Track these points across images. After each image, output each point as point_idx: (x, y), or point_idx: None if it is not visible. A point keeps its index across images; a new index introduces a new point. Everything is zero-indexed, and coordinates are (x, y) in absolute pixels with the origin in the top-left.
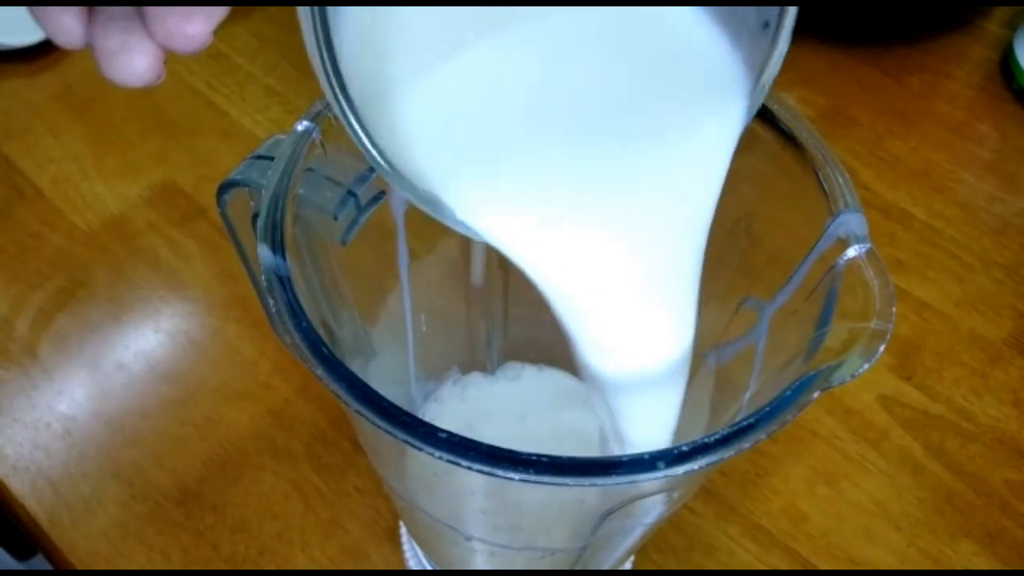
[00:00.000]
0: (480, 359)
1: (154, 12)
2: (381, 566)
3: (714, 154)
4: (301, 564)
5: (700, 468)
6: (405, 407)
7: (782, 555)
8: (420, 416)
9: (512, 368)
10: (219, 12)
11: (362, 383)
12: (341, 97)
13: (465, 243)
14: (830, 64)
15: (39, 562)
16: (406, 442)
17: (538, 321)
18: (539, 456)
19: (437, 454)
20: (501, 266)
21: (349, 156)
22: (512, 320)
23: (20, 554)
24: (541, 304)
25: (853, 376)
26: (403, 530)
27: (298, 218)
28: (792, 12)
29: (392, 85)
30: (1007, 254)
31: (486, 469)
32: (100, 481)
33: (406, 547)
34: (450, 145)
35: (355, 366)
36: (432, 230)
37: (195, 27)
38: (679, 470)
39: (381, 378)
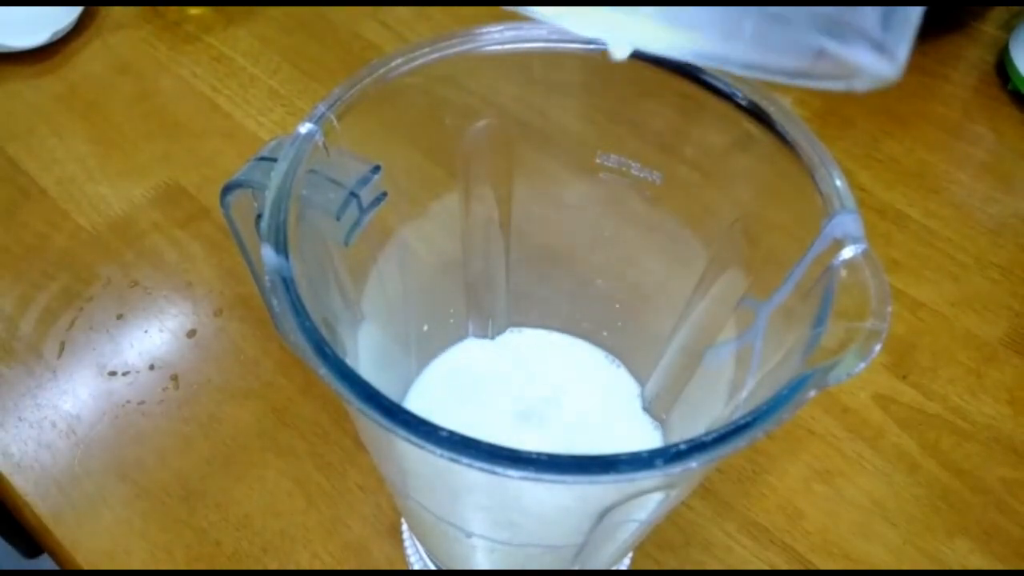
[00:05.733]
0: (480, 325)
1: None
2: (383, 562)
3: None
4: (304, 561)
5: (698, 466)
6: (401, 376)
7: (779, 552)
8: (417, 384)
9: (513, 333)
10: None
11: (364, 382)
12: None
13: (465, 203)
14: None
15: (47, 560)
16: (407, 440)
17: (538, 287)
18: (539, 454)
19: (437, 452)
20: (503, 227)
21: (351, 158)
22: (513, 286)
23: (29, 552)
24: (541, 269)
25: (849, 375)
26: (404, 527)
27: (301, 219)
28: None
29: None
30: (1003, 254)
31: (486, 467)
32: (104, 479)
33: (408, 543)
34: None
35: (346, 336)
36: (428, 195)
37: None
38: (677, 468)
39: (374, 347)
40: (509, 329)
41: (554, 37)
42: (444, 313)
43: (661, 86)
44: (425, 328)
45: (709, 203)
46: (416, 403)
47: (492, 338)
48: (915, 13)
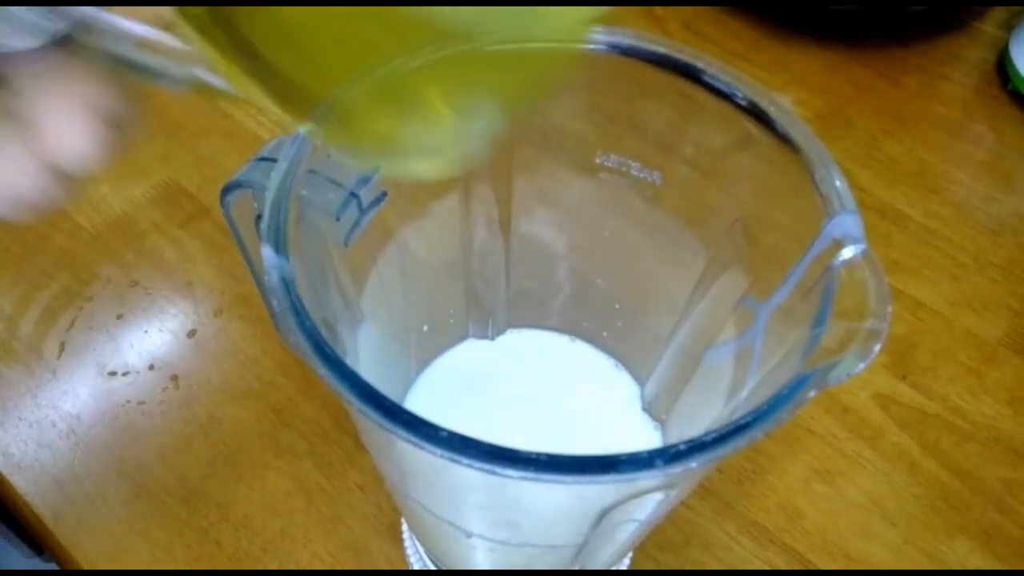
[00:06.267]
0: (480, 326)
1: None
2: (383, 562)
3: None
4: (304, 560)
5: (697, 466)
6: (401, 377)
7: (779, 552)
8: (417, 385)
9: (513, 334)
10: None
11: (364, 382)
12: None
13: (465, 203)
14: (826, 66)
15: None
16: (407, 440)
17: (538, 287)
18: (538, 454)
19: (437, 452)
20: (503, 227)
21: (352, 158)
22: (513, 286)
23: (37, 548)
24: (541, 269)
25: (849, 375)
26: (404, 526)
27: (301, 219)
28: None
29: None
30: (1002, 254)
31: (485, 467)
32: (104, 479)
33: (407, 543)
34: None
35: (346, 336)
36: (428, 195)
37: (75, 139)
38: (677, 468)
39: (374, 347)
40: (509, 330)
41: (554, 36)
42: (444, 313)
43: (661, 86)
44: (425, 328)
45: (709, 203)
46: (416, 403)
47: (492, 339)
48: None
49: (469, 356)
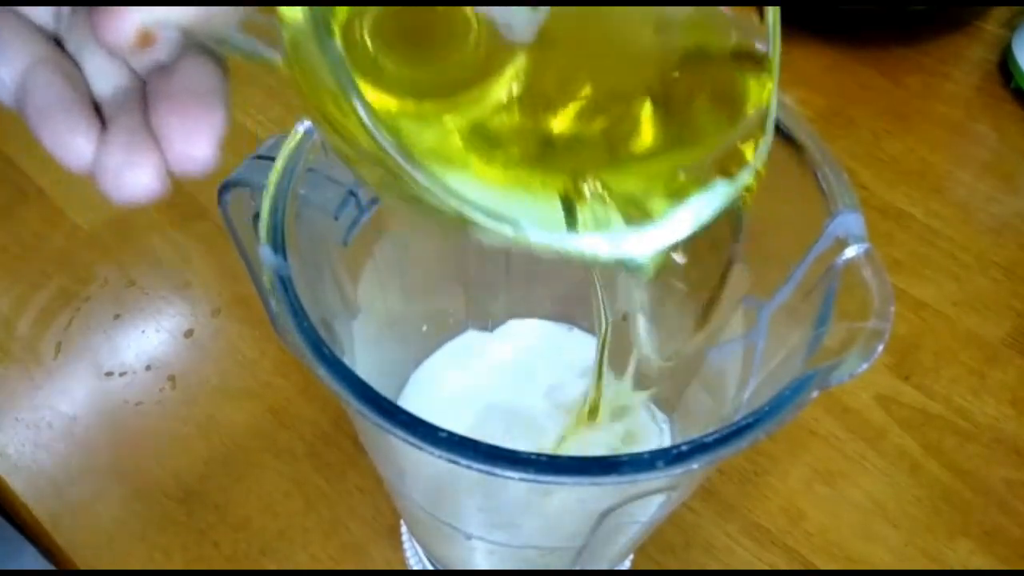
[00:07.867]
0: (480, 317)
1: (162, 133)
2: (382, 564)
3: None
4: (302, 562)
5: (699, 467)
6: (400, 371)
7: (780, 553)
8: (415, 379)
9: (513, 324)
10: (220, 127)
11: (362, 382)
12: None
13: None
14: (829, 65)
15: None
16: (405, 441)
17: (539, 278)
18: (538, 455)
19: (436, 453)
20: None
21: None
22: (514, 277)
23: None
24: (542, 261)
25: (852, 375)
26: (404, 528)
27: (299, 218)
28: None
29: None
30: (1004, 254)
31: (485, 468)
32: (102, 480)
33: (407, 545)
34: None
35: (344, 332)
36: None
37: (200, 147)
38: (678, 469)
39: (372, 343)
40: (509, 320)
41: None
42: (443, 304)
43: None
44: (424, 324)
45: None
46: (415, 395)
47: (491, 330)
48: None
49: (468, 349)
